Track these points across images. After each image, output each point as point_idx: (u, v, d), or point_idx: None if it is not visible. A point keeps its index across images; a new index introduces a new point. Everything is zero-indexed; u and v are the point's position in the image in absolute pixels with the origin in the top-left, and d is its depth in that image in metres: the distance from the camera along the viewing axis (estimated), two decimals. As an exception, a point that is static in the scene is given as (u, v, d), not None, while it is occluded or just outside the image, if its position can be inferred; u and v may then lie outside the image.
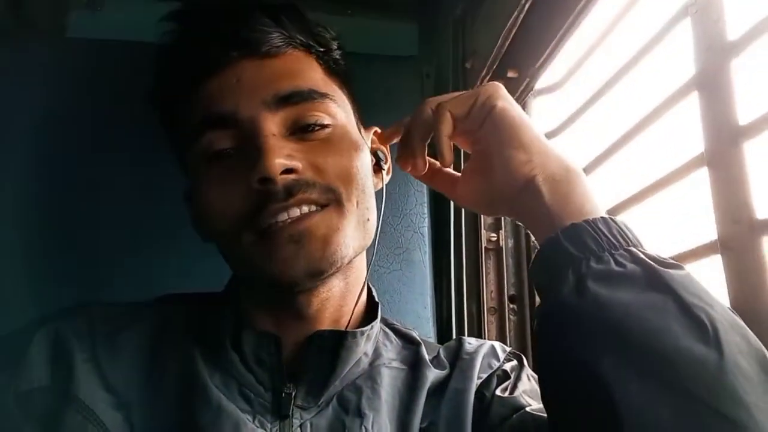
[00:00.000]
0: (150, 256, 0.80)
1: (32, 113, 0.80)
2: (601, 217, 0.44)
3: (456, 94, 0.53)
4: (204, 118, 0.53)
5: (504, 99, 0.50)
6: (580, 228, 0.43)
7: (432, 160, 0.58)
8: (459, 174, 0.58)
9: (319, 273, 0.51)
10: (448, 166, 0.55)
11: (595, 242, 0.42)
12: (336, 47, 0.60)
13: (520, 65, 0.84)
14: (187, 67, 0.55)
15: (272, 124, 0.52)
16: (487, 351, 0.62)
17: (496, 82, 0.52)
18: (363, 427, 0.52)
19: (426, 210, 0.91)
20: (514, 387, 0.58)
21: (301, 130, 0.54)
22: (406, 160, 0.56)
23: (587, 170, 0.73)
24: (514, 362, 0.62)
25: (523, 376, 0.60)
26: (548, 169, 0.47)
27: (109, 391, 0.51)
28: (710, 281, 0.51)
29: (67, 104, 0.82)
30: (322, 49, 0.59)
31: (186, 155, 0.56)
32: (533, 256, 0.47)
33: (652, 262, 0.41)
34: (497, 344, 0.64)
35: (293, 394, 0.53)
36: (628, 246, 0.42)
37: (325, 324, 0.56)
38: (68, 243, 0.79)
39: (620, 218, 0.45)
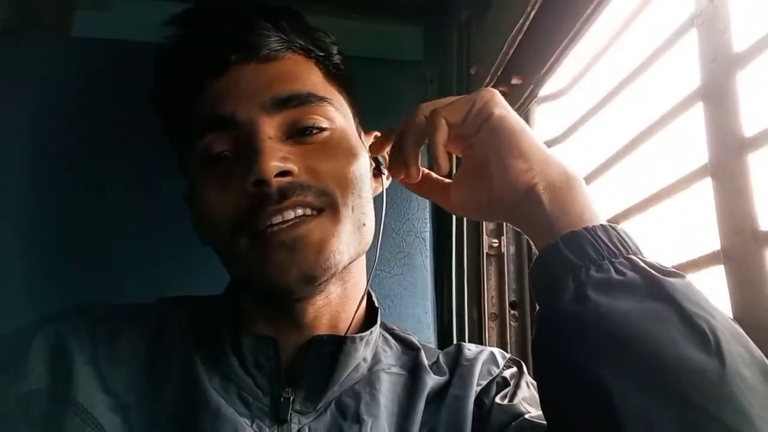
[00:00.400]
0: (151, 258, 0.80)
1: (38, 112, 0.80)
2: (601, 225, 0.44)
3: (450, 99, 0.52)
4: (203, 121, 0.53)
5: (501, 106, 0.49)
6: (580, 235, 0.43)
7: (423, 167, 0.56)
8: (449, 181, 0.56)
9: (313, 279, 0.51)
10: (444, 174, 0.54)
11: (595, 250, 0.42)
12: (336, 52, 0.60)
13: (524, 72, 0.83)
14: (188, 70, 0.55)
15: (269, 127, 0.52)
16: (486, 357, 0.62)
17: (492, 89, 0.51)
18: (361, 433, 0.52)
19: (428, 215, 0.92)
20: (514, 394, 0.58)
21: (298, 134, 0.54)
22: (399, 168, 0.55)
23: (591, 178, 0.73)
24: (514, 369, 0.62)
25: (523, 384, 0.60)
26: (549, 176, 0.47)
27: (108, 393, 0.51)
28: (713, 292, 0.51)
29: (73, 104, 0.82)
30: (321, 54, 0.59)
31: (186, 157, 0.56)
32: (532, 262, 0.47)
33: (652, 271, 0.41)
34: (497, 351, 0.64)
35: (291, 398, 0.53)
36: (628, 254, 0.42)
37: (323, 330, 0.56)
38: (69, 243, 0.79)
39: (622, 226, 0.45)
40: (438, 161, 0.51)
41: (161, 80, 0.58)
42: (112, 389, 0.51)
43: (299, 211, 0.51)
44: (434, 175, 0.57)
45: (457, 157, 0.55)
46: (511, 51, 0.78)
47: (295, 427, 0.52)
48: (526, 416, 0.55)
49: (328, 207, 0.52)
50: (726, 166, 0.51)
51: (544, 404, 0.45)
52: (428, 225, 0.91)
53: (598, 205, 0.47)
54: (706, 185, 0.54)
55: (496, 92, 0.50)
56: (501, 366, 0.61)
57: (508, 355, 0.64)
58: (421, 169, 0.55)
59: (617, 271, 0.41)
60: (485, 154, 0.50)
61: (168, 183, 0.66)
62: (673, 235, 0.63)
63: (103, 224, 0.80)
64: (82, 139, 0.82)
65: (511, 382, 0.60)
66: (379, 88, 0.92)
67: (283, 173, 0.50)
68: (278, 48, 0.55)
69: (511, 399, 0.57)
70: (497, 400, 0.57)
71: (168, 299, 0.63)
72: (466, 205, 0.55)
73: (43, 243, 0.77)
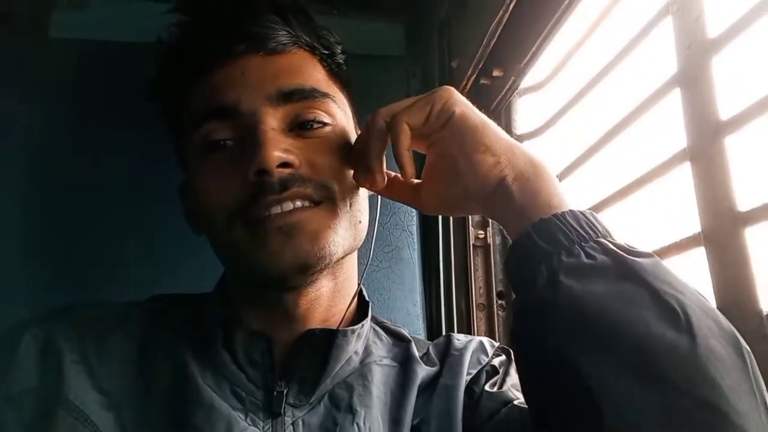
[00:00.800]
0: (142, 257, 0.80)
1: (15, 112, 0.79)
2: (570, 210, 0.45)
3: (408, 102, 0.51)
4: (206, 109, 0.54)
5: (461, 104, 0.50)
6: (550, 222, 0.44)
7: (388, 171, 0.56)
8: (417, 181, 0.56)
9: (307, 268, 0.51)
10: (411, 179, 0.53)
11: (565, 236, 0.43)
12: (340, 51, 0.61)
13: (505, 64, 0.84)
14: (194, 57, 0.55)
15: (273, 118, 0.52)
16: (476, 347, 0.63)
17: (449, 87, 0.51)
18: (355, 424, 0.53)
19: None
20: (503, 381, 0.59)
21: (300, 127, 0.54)
22: (365, 177, 0.54)
23: (571, 169, 0.74)
24: (503, 357, 0.62)
25: (512, 371, 0.60)
26: (517, 166, 0.47)
27: (100, 392, 0.51)
28: (694, 274, 0.52)
29: (49, 104, 0.81)
30: (326, 52, 0.59)
31: (184, 146, 0.56)
32: (507, 253, 0.47)
33: (621, 252, 0.42)
34: (486, 340, 0.65)
35: (285, 392, 0.53)
36: (598, 237, 0.43)
37: (315, 324, 0.56)
38: (59, 244, 0.78)
39: (594, 211, 0.46)
40: (404, 167, 0.51)
41: (166, 66, 0.58)
42: (104, 387, 0.52)
43: (298, 203, 0.51)
44: (401, 177, 0.56)
45: (420, 154, 0.54)
46: (492, 43, 0.79)
47: (288, 420, 0.52)
48: (515, 402, 0.56)
49: (327, 200, 0.53)
50: (704, 150, 0.52)
51: (525, 390, 0.45)
52: (415, 218, 0.92)
53: (564, 189, 0.48)
54: (686, 170, 0.55)
55: (454, 90, 0.51)
56: (490, 355, 0.62)
57: (496, 344, 0.65)
58: (386, 173, 0.55)
59: (587, 255, 0.42)
60: (451, 151, 0.50)
61: (158, 182, 0.66)
62: (657, 220, 0.64)
63: (92, 224, 0.79)
64: (62, 140, 0.82)
65: (500, 370, 0.60)
66: (362, 85, 0.92)
67: (285, 164, 0.51)
68: (285, 42, 0.56)
69: (501, 386, 0.58)
70: (487, 388, 0.58)
71: (159, 297, 0.63)
72: (438, 203, 0.55)
73: (33, 244, 0.77)
